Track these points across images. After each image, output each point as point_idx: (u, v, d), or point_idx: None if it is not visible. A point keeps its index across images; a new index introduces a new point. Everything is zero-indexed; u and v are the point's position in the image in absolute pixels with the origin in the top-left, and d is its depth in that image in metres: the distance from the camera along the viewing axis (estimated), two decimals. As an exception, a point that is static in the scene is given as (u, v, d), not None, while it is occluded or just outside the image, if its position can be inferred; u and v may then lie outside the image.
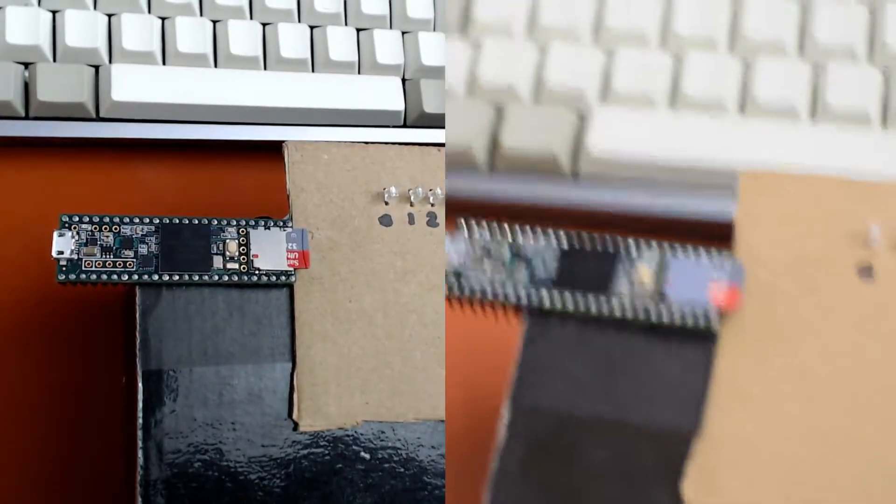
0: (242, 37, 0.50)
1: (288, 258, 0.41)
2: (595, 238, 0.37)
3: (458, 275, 0.38)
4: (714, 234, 0.44)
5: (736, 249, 0.37)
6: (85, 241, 0.39)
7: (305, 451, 0.40)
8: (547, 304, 0.37)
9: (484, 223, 0.38)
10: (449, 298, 0.38)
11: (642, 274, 0.36)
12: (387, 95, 0.52)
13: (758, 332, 0.36)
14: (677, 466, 0.35)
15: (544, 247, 0.38)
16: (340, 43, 0.52)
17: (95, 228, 0.39)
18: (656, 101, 0.50)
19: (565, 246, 0.37)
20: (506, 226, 0.38)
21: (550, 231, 0.38)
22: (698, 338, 0.36)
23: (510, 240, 0.38)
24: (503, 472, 0.35)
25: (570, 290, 0.37)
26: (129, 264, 0.39)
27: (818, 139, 0.48)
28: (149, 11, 0.50)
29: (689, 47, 0.51)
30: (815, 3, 0.51)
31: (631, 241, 0.37)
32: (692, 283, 0.36)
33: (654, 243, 0.37)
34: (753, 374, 0.35)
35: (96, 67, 0.48)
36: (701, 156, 0.48)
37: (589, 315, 0.37)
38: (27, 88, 0.47)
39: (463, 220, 0.38)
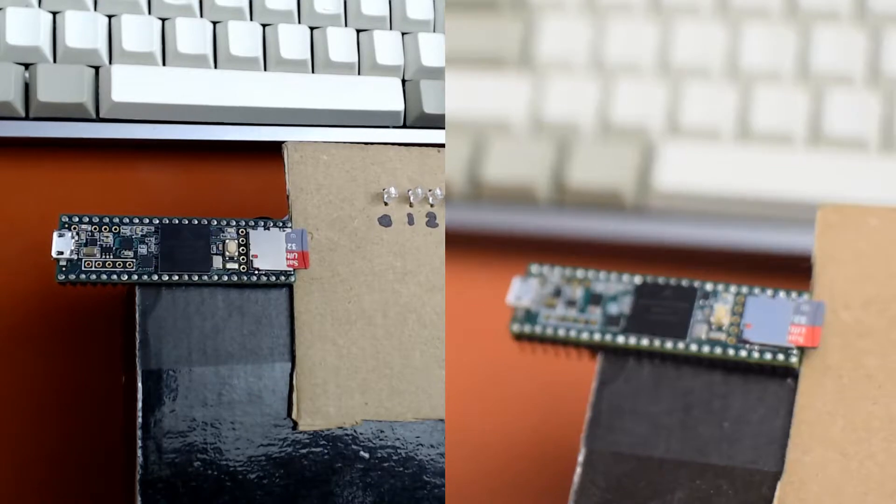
0: (242, 38, 0.50)
1: (287, 258, 0.41)
2: (670, 279, 0.37)
3: (530, 315, 0.38)
4: (783, 267, 0.43)
5: (815, 285, 0.36)
6: (85, 241, 0.39)
7: (305, 451, 0.40)
8: (622, 343, 0.36)
9: (556, 266, 0.38)
10: (521, 338, 0.38)
11: (720, 315, 0.36)
12: (386, 96, 0.52)
13: (839, 370, 0.35)
14: None
15: (618, 287, 0.37)
16: (340, 44, 0.52)
17: (95, 229, 0.39)
18: (723, 135, 0.49)
19: (640, 286, 0.37)
20: (580, 268, 0.38)
21: (625, 272, 0.37)
22: (778, 377, 0.35)
23: (583, 280, 0.38)
24: None
25: (647, 330, 0.36)
26: (129, 264, 0.39)
27: (889, 171, 0.47)
28: (149, 12, 0.50)
29: (755, 80, 0.50)
30: (884, 33, 0.50)
31: (708, 283, 0.37)
32: (772, 325, 0.35)
33: (731, 285, 0.36)
34: (835, 415, 0.34)
35: (96, 68, 0.48)
36: (769, 189, 0.48)
37: (666, 355, 0.36)
38: (27, 89, 0.47)
39: (536, 264, 0.38)
